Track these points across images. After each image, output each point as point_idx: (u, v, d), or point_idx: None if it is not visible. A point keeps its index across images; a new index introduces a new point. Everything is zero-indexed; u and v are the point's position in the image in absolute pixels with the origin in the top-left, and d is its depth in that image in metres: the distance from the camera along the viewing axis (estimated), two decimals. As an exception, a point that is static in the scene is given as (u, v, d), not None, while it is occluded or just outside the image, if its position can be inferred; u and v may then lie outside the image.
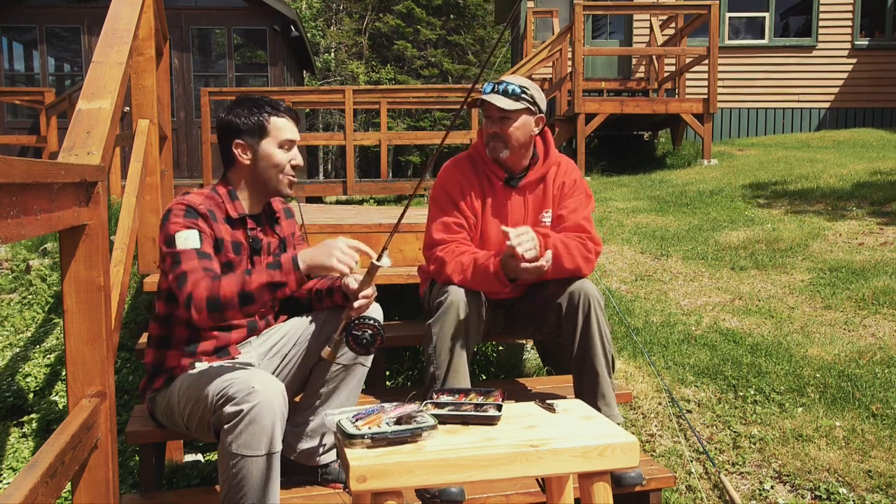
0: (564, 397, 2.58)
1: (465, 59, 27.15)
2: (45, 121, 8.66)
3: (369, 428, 1.55)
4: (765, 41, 11.03)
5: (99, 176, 1.70)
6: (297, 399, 2.29)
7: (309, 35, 20.86)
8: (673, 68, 9.95)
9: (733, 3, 11.01)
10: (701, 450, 2.77)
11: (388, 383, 3.11)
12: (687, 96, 9.80)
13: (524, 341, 3.27)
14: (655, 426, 2.94)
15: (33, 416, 3.06)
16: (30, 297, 3.99)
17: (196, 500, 2.24)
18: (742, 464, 2.71)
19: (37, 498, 1.20)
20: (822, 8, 10.93)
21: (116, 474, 1.76)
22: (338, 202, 9.75)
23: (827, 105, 11.07)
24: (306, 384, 2.22)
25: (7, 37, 11.97)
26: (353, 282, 2.05)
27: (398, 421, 1.57)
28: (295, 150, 2.14)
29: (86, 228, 1.61)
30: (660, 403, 3.04)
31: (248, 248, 2.11)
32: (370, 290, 2.02)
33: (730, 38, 11.03)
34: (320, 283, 2.21)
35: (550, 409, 1.78)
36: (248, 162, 2.09)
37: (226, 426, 1.80)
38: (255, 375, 1.85)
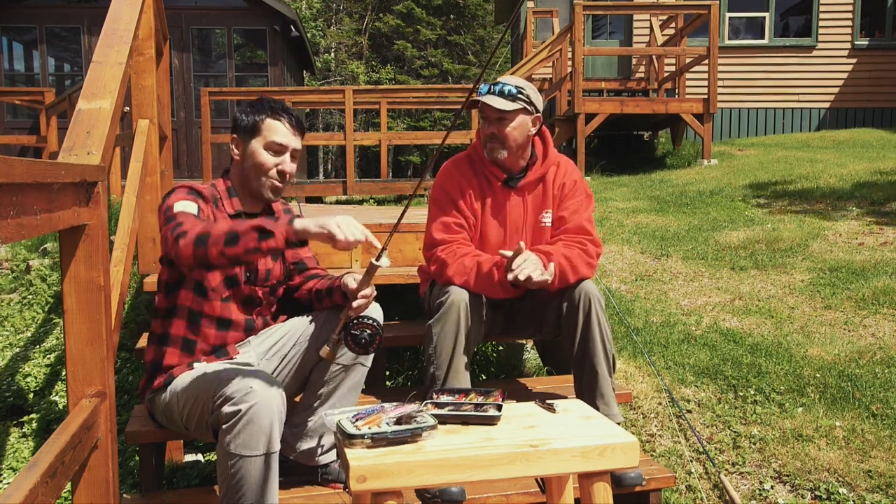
0: (564, 397, 2.58)
1: (465, 59, 27.15)
2: (45, 121, 8.65)
3: (369, 428, 1.55)
4: (765, 41, 11.03)
5: (99, 176, 1.70)
6: (297, 399, 2.29)
7: (309, 35, 20.86)
8: (673, 68, 9.95)
9: (733, 3, 11.01)
10: (701, 450, 2.77)
11: (388, 383, 3.11)
12: (687, 96, 9.80)
13: (524, 341, 3.27)
14: (655, 426, 2.94)
15: (33, 416, 3.06)
16: (30, 297, 3.99)
17: (196, 500, 2.24)
18: (742, 464, 2.71)
19: (37, 498, 1.20)
20: (822, 8, 10.93)
21: (116, 474, 1.76)
22: (338, 202, 9.75)
23: (827, 105, 11.07)
24: (306, 384, 2.22)
25: (7, 37, 11.97)
26: (351, 281, 2.05)
27: (398, 421, 1.57)
28: (286, 157, 2.12)
29: (86, 228, 1.61)
30: (660, 403, 3.04)
31: None
32: (369, 290, 2.02)
33: (730, 38, 11.03)
34: (320, 284, 2.22)
35: (550, 409, 1.78)
36: (237, 158, 2.14)
37: (224, 426, 1.80)
38: (253, 375, 1.85)
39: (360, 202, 9.52)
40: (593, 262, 2.45)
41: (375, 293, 2.06)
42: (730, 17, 11.03)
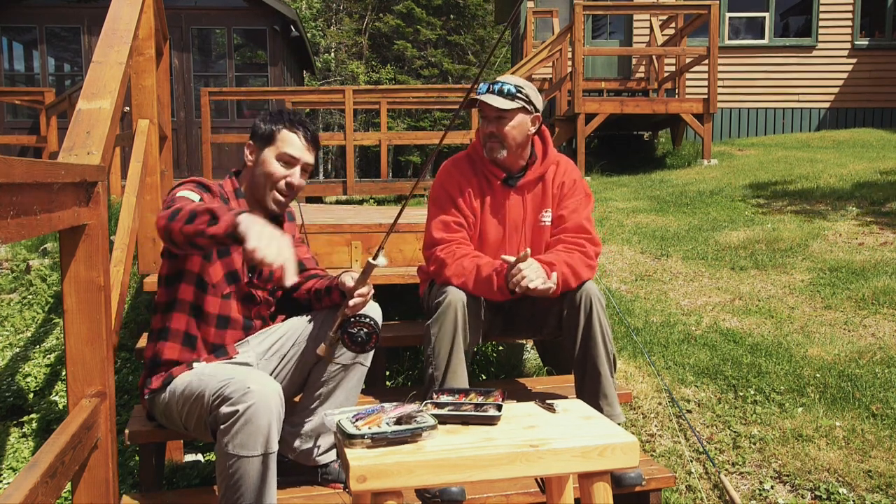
0: (564, 397, 2.58)
1: (465, 59, 27.15)
2: (45, 121, 8.66)
3: (369, 428, 1.55)
4: (765, 41, 11.03)
5: (99, 176, 1.70)
6: (297, 399, 2.29)
7: (309, 35, 20.86)
8: (673, 68, 9.95)
9: (733, 3, 11.01)
10: (701, 450, 2.77)
11: (388, 383, 3.11)
12: (687, 96, 9.80)
13: (524, 341, 3.27)
14: (655, 426, 2.94)
15: (33, 416, 3.06)
16: (30, 297, 3.99)
17: (196, 500, 2.24)
18: (742, 464, 2.71)
19: (37, 498, 1.20)
20: (822, 8, 10.93)
21: (116, 474, 1.76)
22: (338, 202, 9.75)
23: (827, 105, 11.07)
24: (305, 384, 2.22)
25: (7, 37, 11.97)
26: (349, 280, 2.06)
27: (398, 421, 1.57)
28: (296, 170, 2.14)
29: (86, 228, 1.62)
30: (660, 403, 3.04)
31: None
32: (366, 289, 2.03)
33: (730, 38, 11.03)
34: (319, 283, 2.22)
35: (550, 409, 1.78)
36: (250, 164, 2.16)
37: (222, 426, 1.80)
38: (251, 375, 1.85)
39: (360, 202, 9.53)
40: (593, 262, 2.45)
41: (373, 292, 2.06)
42: (730, 17, 11.03)
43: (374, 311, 2.07)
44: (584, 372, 2.39)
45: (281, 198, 2.13)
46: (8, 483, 2.67)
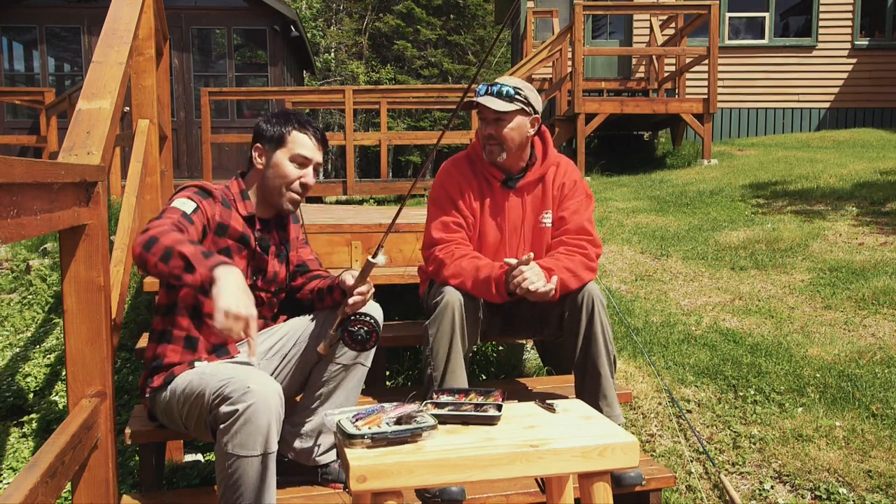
0: (564, 397, 2.58)
1: (465, 59, 27.16)
2: (45, 121, 8.66)
3: (369, 428, 1.55)
4: (765, 41, 11.03)
5: (99, 176, 1.70)
6: (297, 399, 2.29)
7: (309, 35, 20.86)
8: (673, 68, 9.96)
9: (733, 3, 11.01)
10: (701, 450, 2.77)
11: (388, 383, 3.11)
12: (687, 96, 9.80)
13: (524, 341, 3.27)
14: (655, 426, 2.94)
15: (33, 416, 3.06)
16: (30, 297, 3.99)
17: (196, 500, 2.24)
18: (742, 464, 2.71)
19: (37, 498, 1.20)
20: (822, 8, 10.93)
21: (116, 474, 1.76)
22: (338, 202, 9.75)
23: (827, 105, 11.07)
24: (306, 384, 2.23)
25: (7, 37, 11.97)
26: (350, 278, 2.06)
27: (398, 421, 1.57)
28: (309, 169, 2.15)
29: (86, 228, 1.62)
30: (660, 403, 3.04)
31: (255, 246, 2.12)
32: (365, 287, 2.03)
33: (730, 38, 11.03)
34: (322, 283, 2.22)
35: (550, 409, 1.78)
36: (261, 167, 2.15)
37: (221, 426, 1.80)
38: (251, 375, 1.85)
39: (360, 202, 9.53)
40: (594, 264, 2.45)
41: (373, 290, 2.06)
42: (730, 17, 11.03)
43: (374, 309, 2.08)
44: (584, 372, 2.39)
45: (297, 197, 2.16)
46: (8, 483, 2.67)
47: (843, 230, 5.00)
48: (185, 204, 1.98)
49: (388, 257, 1.92)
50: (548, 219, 2.53)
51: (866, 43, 10.98)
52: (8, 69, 12.04)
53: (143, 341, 2.74)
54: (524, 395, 2.75)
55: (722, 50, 10.05)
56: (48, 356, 3.46)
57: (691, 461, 2.75)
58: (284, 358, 2.18)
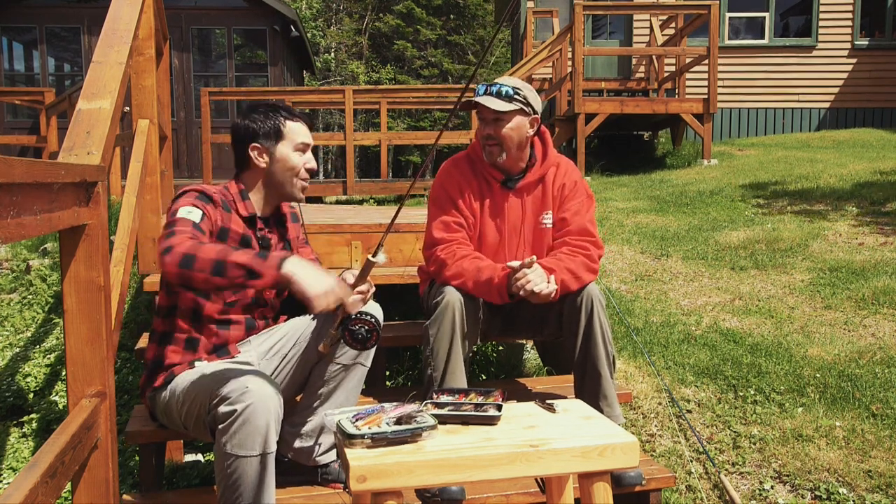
0: (564, 397, 2.58)
1: (465, 59, 27.15)
2: (45, 121, 8.65)
3: (369, 428, 1.55)
4: (765, 41, 11.03)
5: (99, 176, 1.70)
6: (297, 399, 2.29)
7: (309, 35, 20.86)
8: (673, 68, 9.95)
9: (733, 3, 11.01)
10: (701, 450, 2.77)
11: (388, 383, 3.11)
12: (687, 96, 9.80)
13: (524, 341, 3.27)
14: (655, 426, 2.94)
15: (33, 416, 3.06)
16: (30, 297, 3.99)
17: (196, 500, 2.24)
18: (742, 464, 2.71)
19: (37, 498, 1.20)
20: (822, 8, 10.93)
21: (116, 474, 1.76)
22: (338, 202, 9.75)
23: (827, 105, 11.07)
24: (306, 384, 2.23)
25: (7, 37, 11.97)
26: (350, 278, 2.06)
27: (398, 421, 1.57)
28: (309, 153, 2.18)
29: (86, 228, 1.61)
30: (660, 403, 3.04)
31: (256, 246, 2.12)
32: (366, 287, 2.03)
33: (730, 38, 11.03)
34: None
35: (550, 409, 1.78)
36: (264, 165, 2.13)
37: (220, 426, 1.80)
38: (250, 375, 1.85)
39: (360, 202, 9.53)
40: (596, 265, 2.45)
41: (373, 290, 2.06)
42: (730, 17, 11.03)
43: (374, 309, 2.08)
44: (584, 372, 2.39)
45: (306, 183, 2.18)
46: (8, 483, 2.67)
47: (843, 230, 5.00)
48: (191, 213, 1.96)
49: (388, 257, 1.91)
50: (548, 220, 2.53)
51: (866, 43, 10.98)
52: (8, 69, 12.03)
53: (143, 341, 2.74)
54: (524, 395, 2.75)
55: (722, 50, 10.05)
56: (48, 356, 3.46)
57: (691, 461, 2.75)
58: (284, 358, 2.18)
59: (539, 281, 2.25)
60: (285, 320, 2.26)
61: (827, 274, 4.22)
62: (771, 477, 2.65)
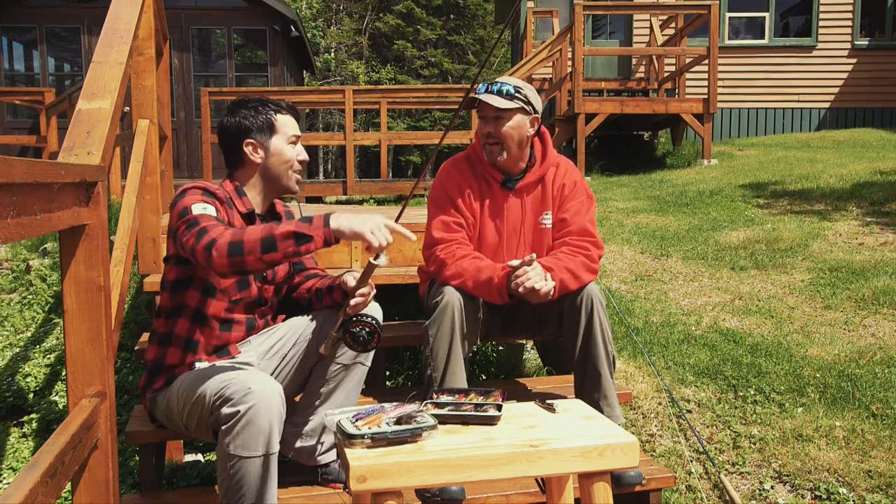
0: (564, 397, 2.58)
1: (465, 59, 27.15)
2: (45, 121, 8.66)
3: (369, 428, 1.55)
4: (765, 41, 11.03)
5: (99, 176, 1.70)
6: (297, 399, 2.29)
7: (309, 35, 20.86)
8: (673, 68, 9.95)
9: (733, 3, 11.01)
10: (701, 450, 2.76)
11: (388, 383, 3.11)
12: (687, 96, 9.80)
13: (524, 341, 3.27)
14: (655, 426, 2.94)
15: (33, 416, 3.06)
16: (30, 297, 3.99)
17: (196, 500, 2.24)
18: (742, 464, 2.71)
19: (37, 498, 1.20)
20: (822, 8, 10.93)
21: (116, 474, 1.76)
22: (338, 202, 9.76)
23: (827, 105, 11.07)
24: (306, 384, 2.23)
25: (7, 37, 11.97)
26: (351, 279, 2.07)
27: (398, 421, 1.57)
28: (300, 145, 2.19)
29: (86, 228, 1.61)
30: (660, 403, 3.04)
31: None
32: (367, 289, 2.03)
33: (730, 38, 11.03)
34: (320, 283, 2.22)
35: (550, 409, 1.78)
36: (259, 160, 2.13)
37: (223, 427, 1.80)
38: (252, 376, 1.85)
39: (360, 202, 9.53)
40: (596, 265, 2.45)
41: (375, 292, 2.06)
42: (730, 17, 11.03)
43: (375, 311, 2.08)
44: (584, 372, 2.39)
45: (299, 175, 2.20)
46: (8, 483, 2.67)
47: (843, 230, 5.00)
48: (207, 209, 1.95)
49: (389, 258, 1.91)
50: (548, 220, 2.53)
51: (866, 43, 10.98)
52: (8, 69, 12.04)
53: (143, 341, 2.74)
54: (524, 395, 2.75)
55: (722, 50, 10.05)
56: (48, 356, 3.46)
57: (691, 461, 2.75)
58: (284, 358, 2.18)
59: (538, 278, 2.25)
60: (283, 320, 2.26)
61: (827, 274, 4.22)
62: (771, 477, 2.65)
